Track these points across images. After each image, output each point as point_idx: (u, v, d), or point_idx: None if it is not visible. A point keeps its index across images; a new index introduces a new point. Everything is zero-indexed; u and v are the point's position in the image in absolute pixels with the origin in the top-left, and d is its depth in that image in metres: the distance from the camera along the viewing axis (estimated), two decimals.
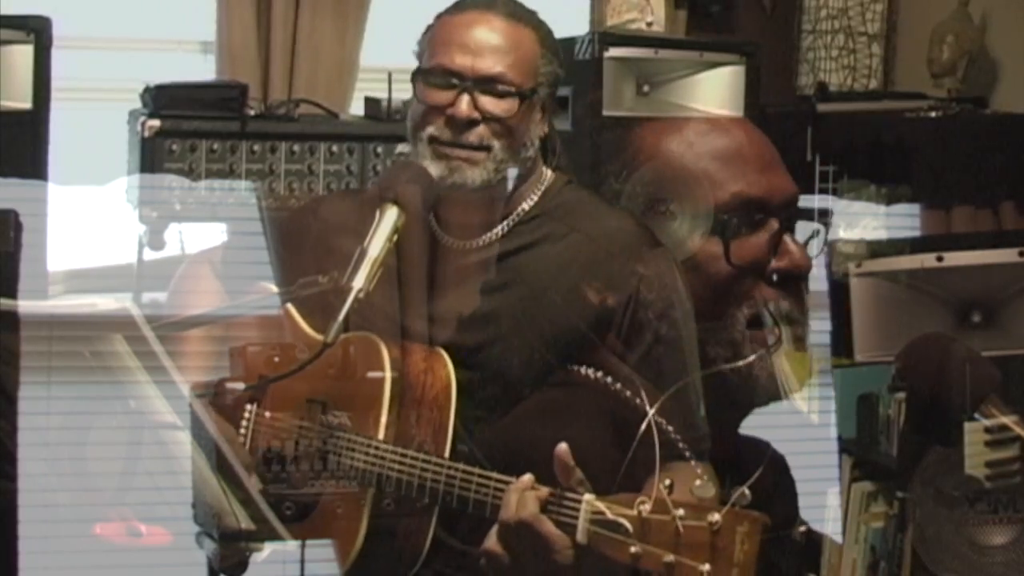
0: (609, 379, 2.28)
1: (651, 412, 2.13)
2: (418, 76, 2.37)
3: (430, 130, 2.33)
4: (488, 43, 2.33)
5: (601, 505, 2.04)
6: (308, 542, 2.22)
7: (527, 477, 2.12)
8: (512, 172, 2.37)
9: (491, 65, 2.32)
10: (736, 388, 2.38)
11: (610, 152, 2.52)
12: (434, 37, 2.38)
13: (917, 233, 4.23)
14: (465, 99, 2.31)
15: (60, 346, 2.12)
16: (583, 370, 2.30)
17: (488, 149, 2.32)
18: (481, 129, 2.32)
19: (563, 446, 2.09)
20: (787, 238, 2.40)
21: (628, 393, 2.26)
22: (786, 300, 2.39)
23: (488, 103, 2.32)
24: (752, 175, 2.40)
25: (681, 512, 1.98)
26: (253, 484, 2.19)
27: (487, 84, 2.32)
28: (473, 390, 2.30)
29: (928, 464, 2.46)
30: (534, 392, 2.32)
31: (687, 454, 2.25)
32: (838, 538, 2.40)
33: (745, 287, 2.39)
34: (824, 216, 2.46)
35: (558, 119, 2.51)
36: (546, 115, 2.40)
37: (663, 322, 2.32)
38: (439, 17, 2.40)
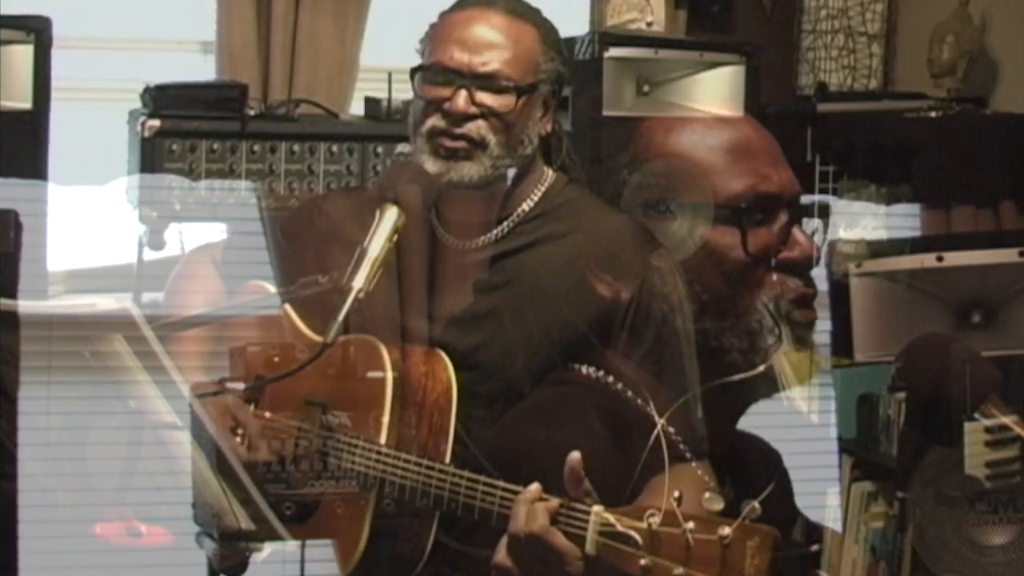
0: (610, 379, 2.28)
1: (660, 422, 2.13)
2: (417, 72, 2.39)
3: (429, 123, 2.35)
4: (486, 39, 2.35)
5: (611, 517, 2.03)
6: (308, 542, 2.22)
7: (535, 487, 2.11)
8: (511, 170, 2.38)
9: (488, 61, 2.33)
10: (738, 384, 2.39)
11: (611, 150, 2.54)
12: (434, 35, 2.39)
13: (917, 233, 4.23)
14: (463, 94, 2.33)
15: (60, 346, 2.11)
16: (583, 369, 2.30)
17: (484, 146, 2.33)
18: (479, 122, 2.33)
19: (576, 455, 2.08)
20: (796, 230, 2.44)
21: (629, 394, 2.26)
22: (806, 287, 2.43)
23: (486, 98, 2.33)
24: (764, 169, 2.43)
25: (691, 525, 1.97)
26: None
27: (485, 80, 2.33)
28: (473, 390, 2.30)
29: (928, 464, 2.46)
30: (533, 391, 2.32)
31: (688, 455, 2.25)
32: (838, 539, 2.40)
33: (759, 275, 2.41)
34: (823, 213, 2.50)
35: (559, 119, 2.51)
36: (548, 113, 2.41)
37: (665, 323, 2.32)
38: (441, 16, 2.41)
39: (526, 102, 2.35)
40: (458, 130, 2.33)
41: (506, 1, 2.39)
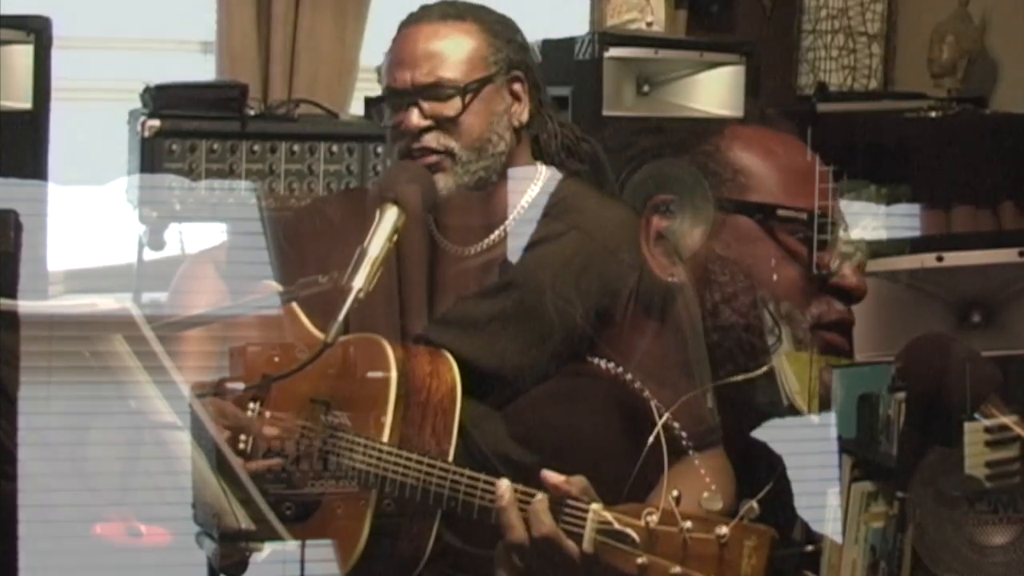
0: (629, 376, 2.29)
1: (661, 421, 2.13)
2: (380, 104, 2.45)
3: (398, 147, 2.41)
4: (424, 51, 2.39)
5: (608, 515, 2.03)
6: (308, 542, 2.22)
7: (505, 483, 2.11)
8: (496, 171, 2.39)
9: (427, 73, 2.37)
10: (748, 392, 2.41)
11: (614, 147, 2.55)
12: (385, 64, 2.44)
13: (917, 233, 4.23)
14: (413, 111, 2.37)
15: (60, 346, 2.11)
16: (599, 362, 2.31)
17: (452, 154, 2.35)
18: (435, 133, 2.37)
19: (544, 474, 2.09)
20: (850, 267, 2.50)
21: (645, 394, 2.27)
22: (848, 314, 2.50)
23: (434, 107, 2.37)
24: (823, 189, 2.50)
25: (689, 524, 1.98)
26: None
27: (428, 91, 2.37)
28: (478, 394, 2.30)
29: (928, 464, 2.46)
30: (549, 380, 2.32)
31: (690, 450, 2.25)
32: (838, 538, 2.39)
33: (814, 288, 2.47)
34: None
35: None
36: (522, 104, 2.41)
37: (665, 313, 2.33)
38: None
39: (475, 99, 2.37)
40: (418, 144, 2.37)
41: (441, 8, 2.42)
